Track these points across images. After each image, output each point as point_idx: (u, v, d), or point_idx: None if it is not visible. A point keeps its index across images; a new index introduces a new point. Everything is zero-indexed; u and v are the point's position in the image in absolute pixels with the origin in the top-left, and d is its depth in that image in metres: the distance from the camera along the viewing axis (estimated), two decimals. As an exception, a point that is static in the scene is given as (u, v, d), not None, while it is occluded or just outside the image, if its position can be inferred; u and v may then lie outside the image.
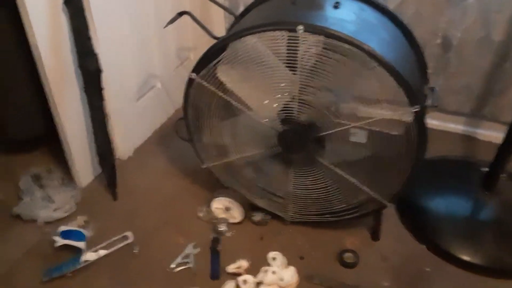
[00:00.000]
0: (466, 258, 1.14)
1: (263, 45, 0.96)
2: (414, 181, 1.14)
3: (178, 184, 1.40)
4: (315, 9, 0.98)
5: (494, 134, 1.55)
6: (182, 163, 1.48)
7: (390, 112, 0.93)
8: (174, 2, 1.50)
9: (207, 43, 1.04)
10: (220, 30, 1.63)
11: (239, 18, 1.18)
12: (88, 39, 1.12)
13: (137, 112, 1.50)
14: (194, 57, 1.70)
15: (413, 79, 0.94)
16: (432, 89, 1.03)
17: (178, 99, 1.61)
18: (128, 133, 1.47)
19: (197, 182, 1.39)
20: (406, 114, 0.92)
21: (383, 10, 1.08)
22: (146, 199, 1.35)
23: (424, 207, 1.27)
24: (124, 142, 1.45)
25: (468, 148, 1.59)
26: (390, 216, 1.26)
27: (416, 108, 0.90)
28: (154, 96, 1.58)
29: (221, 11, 1.58)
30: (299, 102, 0.99)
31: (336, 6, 0.98)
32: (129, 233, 1.19)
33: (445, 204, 1.29)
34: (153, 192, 1.38)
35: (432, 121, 1.59)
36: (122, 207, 1.31)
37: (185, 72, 1.07)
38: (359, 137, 1.06)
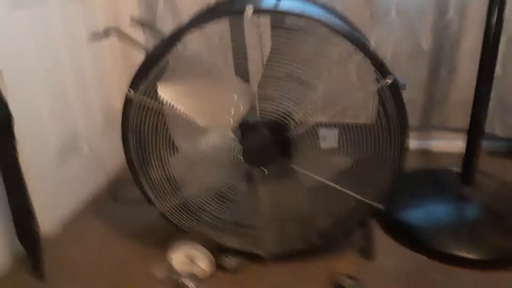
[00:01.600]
0: (471, 256, 1.02)
1: (202, 53, 0.85)
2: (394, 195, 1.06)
3: (125, 250, 1.13)
4: (256, 1, 0.91)
5: (446, 143, 1.54)
6: (125, 228, 1.23)
7: (359, 93, 0.83)
8: (94, 55, 1.37)
9: None
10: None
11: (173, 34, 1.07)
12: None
13: (62, 180, 1.25)
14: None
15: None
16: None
17: (111, 164, 1.41)
18: (53, 206, 1.21)
19: (150, 242, 1.13)
20: (379, 89, 0.84)
21: (323, 7, 1.05)
22: (87, 273, 1.06)
23: (412, 219, 1.15)
24: (49, 216, 1.18)
25: (425, 162, 1.54)
26: (379, 237, 1.11)
27: (391, 79, 0.81)
28: (80, 160, 1.35)
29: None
30: (260, 104, 0.86)
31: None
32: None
33: (432, 210, 1.19)
34: (96, 264, 1.09)
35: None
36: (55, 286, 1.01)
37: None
38: (330, 141, 0.95)
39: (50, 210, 1.19)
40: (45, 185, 1.17)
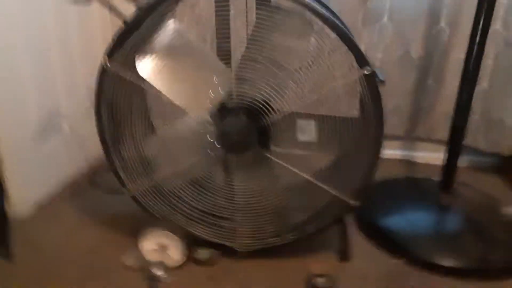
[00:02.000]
0: (447, 264, 1.00)
1: (185, 30, 0.84)
2: (374, 201, 1.04)
3: (97, 235, 1.11)
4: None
5: (430, 155, 1.54)
6: (97, 213, 1.21)
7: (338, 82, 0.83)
8: (82, 23, 1.35)
9: None
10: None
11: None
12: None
13: (40, 159, 1.23)
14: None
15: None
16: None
17: (92, 148, 1.38)
18: (28, 185, 1.19)
19: (122, 228, 1.11)
20: (355, 83, 0.83)
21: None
22: (58, 256, 1.03)
23: (392, 224, 1.14)
24: (23, 195, 1.16)
25: (410, 172, 1.54)
26: (358, 240, 1.10)
27: (368, 70, 0.81)
28: (61, 141, 1.32)
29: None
30: (238, 88, 0.85)
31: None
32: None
33: (412, 216, 1.18)
34: (66, 248, 1.07)
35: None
36: (25, 268, 0.98)
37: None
38: (308, 133, 0.94)
39: (25, 189, 1.16)
40: (21, 163, 1.15)
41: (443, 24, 1.41)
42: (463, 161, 1.54)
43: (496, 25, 1.38)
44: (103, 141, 0.92)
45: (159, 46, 0.84)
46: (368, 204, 1.00)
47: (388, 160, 1.57)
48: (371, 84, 0.83)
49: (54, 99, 1.29)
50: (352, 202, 0.92)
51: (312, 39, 0.81)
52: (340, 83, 0.84)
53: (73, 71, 1.35)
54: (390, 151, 1.61)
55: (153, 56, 0.85)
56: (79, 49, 1.36)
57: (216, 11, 0.82)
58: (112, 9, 0.93)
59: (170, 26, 0.84)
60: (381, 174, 1.30)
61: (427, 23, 1.42)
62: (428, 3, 1.39)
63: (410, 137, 1.58)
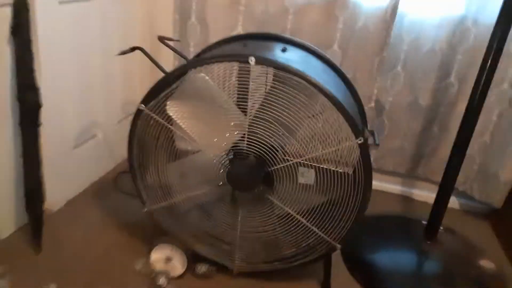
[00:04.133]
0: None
1: (213, 81, 0.98)
2: (361, 235, 1.15)
3: (114, 237, 1.28)
4: (265, 50, 1.03)
5: (428, 194, 1.64)
6: (119, 216, 1.38)
7: (335, 152, 0.95)
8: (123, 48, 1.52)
9: None
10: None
11: (191, 59, 1.20)
12: (31, 71, 1.08)
13: (74, 161, 1.41)
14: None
15: (356, 117, 0.99)
16: (372, 132, 1.09)
17: (120, 153, 1.57)
18: (62, 182, 1.36)
19: (136, 235, 1.28)
20: (350, 149, 0.95)
21: (324, 60, 1.17)
22: (77, 252, 1.21)
23: (372, 260, 1.27)
24: (56, 192, 1.33)
25: (406, 207, 1.65)
26: (340, 271, 1.23)
27: (361, 140, 0.93)
28: (94, 146, 1.51)
29: (171, 56, 1.62)
30: (250, 138, 0.99)
31: (284, 50, 1.05)
32: (53, 286, 1.04)
33: (392, 256, 1.30)
34: (85, 245, 1.24)
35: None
36: (47, 261, 1.16)
37: (128, 127, 1.05)
38: (308, 178, 1.07)
39: (58, 187, 1.34)
40: (58, 164, 1.32)
41: (452, 78, 1.50)
42: (456, 204, 1.66)
43: (504, 85, 1.47)
44: (131, 166, 1.08)
45: (187, 93, 0.98)
46: (356, 237, 1.11)
47: (387, 193, 1.71)
48: (364, 151, 0.94)
49: (93, 112, 1.47)
50: (335, 244, 1.05)
51: (315, 108, 0.93)
52: (337, 146, 0.96)
53: (112, 89, 1.55)
54: (390, 186, 1.73)
55: (181, 101, 0.99)
56: (119, 72, 1.56)
57: (238, 72, 0.95)
58: (153, 61, 1.07)
59: (198, 76, 0.97)
60: (377, 206, 1.46)
61: (438, 76, 1.52)
62: (441, 58, 1.49)
63: (410, 176, 1.69)
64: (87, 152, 1.47)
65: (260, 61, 0.91)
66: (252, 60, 0.90)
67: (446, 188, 1.28)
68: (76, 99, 1.36)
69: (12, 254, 1.15)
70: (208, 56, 1.09)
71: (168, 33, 1.68)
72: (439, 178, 1.60)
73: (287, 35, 1.21)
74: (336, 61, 1.56)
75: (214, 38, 1.63)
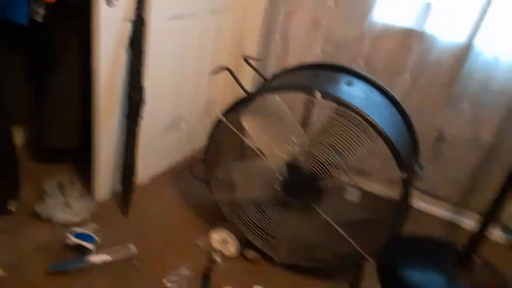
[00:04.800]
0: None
1: (283, 103, 1.16)
2: (398, 249, 1.26)
3: (183, 214, 1.54)
4: (332, 82, 1.19)
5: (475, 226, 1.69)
6: (189, 197, 1.63)
7: (381, 181, 1.10)
8: (213, 60, 1.76)
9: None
10: (248, 87, 1.87)
11: (268, 81, 1.40)
12: (139, 74, 1.34)
13: (160, 146, 1.68)
14: (220, 111, 1.91)
15: (404, 153, 1.12)
16: (420, 166, 1.20)
17: (197, 143, 1.82)
18: (149, 163, 1.64)
19: (200, 215, 1.53)
20: (395, 181, 1.09)
21: (388, 96, 1.29)
22: (153, 222, 1.48)
23: (403, 275, 1.38)
24: (144, 170, 1.61)
25: (450, 233, 1.71)
26: (371, 278, 1.37)
27: (404, 175, 1.06)
28: (177, 135, 1.78)
29: (251, 73, 1.83)
30: (307, 155, 1.16)
31: (349, 84, 1.20)
32: (132, 246, 1.31)
33: (422, 275, 1.39)
34: (160, 217, 1.51)
35: (420, 203, 1.76)
36: (130, 225, 1.44)
37: (209, 122, 1.27)
38: (353, 196, 1.22)
39: (146, 166, 1.62)
40: (149, 147, 1.60)
41: (519, 119, 1.53)
42: (503, 238, 1.69)
43: None
44: (206, 161, 1.31)
45: (260, 110, 1.18)
46: (392, 250, 1.21)
47: (435, 217, 1.78)
48: (405, 185, 1.07)
49: (181, 107, 1.74)
50: (369, 258, 1.20)
51: (367, 141, 1.08)
52: (383, 175, 1.10)
53: (198, 92, 1.81)
54: (439, 210, 1.80)
55: (254, 116, 1.19)
56: (206, 80, 1.79)
57: (306, 99, 1.12)
58: (237, 80, 1.28)
59: (273, 98, 1.16)
60: (422, 227, 1.56)
61: (503, 114, 1.55)
62: (510, 100, 1.52)
63: (461, 205, 1.74)
64: (171, 140, 1.75)
65: (325, 95, 1.07)
66: (318, 94, 1.07)
67: (486, 219, 1.33)
68: (169, 97, 1.62)
69: (106, 215, 1.45)
70: (283, 83, 1.27)
71: (252, 47, 1.89)
72: (490, 212, 1.66)
73: (356, 68, 1.34)
74: (404, 89, 1.67)
75: (293, 55, 1.82)
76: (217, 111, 1.24)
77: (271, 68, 1.87)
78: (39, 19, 1.17)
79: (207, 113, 1.87)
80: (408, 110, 1.35)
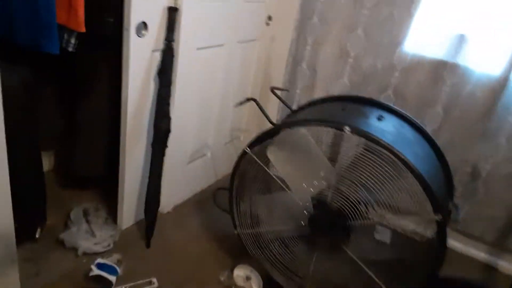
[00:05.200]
0: None
1: (310, 137, 1.13)
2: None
3: (206, 246, 1.51)
4: (362, 117, 1.16)
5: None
6: (212, 228, 1.60)
7: (414, 222, 1.04)
8: (240, 88, 1.76)
9: (258, 127, 1.23)
10: (273, 117, 1.86)
11: (294, 112, 1.37)
12: (167, 104, 1.34)
13: (185, 174, 1.67)
14: (244, 138, 1.92)
15: (439, 193, 1.06)
16: (456, 206, 1.14)
17: (221, 171, 1.80)
18: (173, 191, 1.63)
19: (224, 248, 1.49)
20: (429, 223, 1.03)
21: (420, 130, 1.24)
22: (176, 253, 1.45)
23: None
24: (168, 198, 1.60)
25: (487, 277, 1.62)
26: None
27: (439, 218, 1.00)
28: (202, 163, 1.76)
29: (276, 103, 1.82)
30: (335, 191, 1.12)
31: (380, 118, 1.16)
32: (154, 280, 1.28)
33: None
34: (183, 248, 1.48)
35: (455, 243, 1.68)
36: (153, 256, 1.42)
37: (233, 149, 1.26)
38: (384, 236, 1.16)
39: (170, 194, 1.62)
40: (174, 176, 1.59)
41: (561, 158, 1.45)
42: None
43: None
44: (230, 193, 1.29)
45: (287, 142, 1.15)
46: None
47: (470, 258, 1.69)
48: (441, 228, 1.01)
49: (206, 136, 1.73)
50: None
51: (400, 181, 1.03)
52: (417, 217, 1.05)
53: (223, 121, 1.80)
54: (475, 251, 1.70)
55: (280, 148, 1.16)
56: (232, 110, 1.80)
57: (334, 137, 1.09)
58: (263, 112, 1.26)
59: (300, 132, 1.13)
60: (457, 268, 1.47)
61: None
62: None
63: (498, 246, 1.64)
64: (196, 168, 1.73)
65: (355, 131, 1.04)
66: (347, 129, 1.04)
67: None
68: (195, 126, 1.62)
69: (129, 244, 1.44)
70: (310, 115, 1.24)
71: (279, 76, 1.88)
72: (531, 255, 1.56)
73: (386, 102, 1.30)
74: (437, 122, 1.61)
75: (320, 84, 1.80)
76: (242, 142, 1.22)
77: (298, 97, 1.85)
78: (71, 48, 1.19)
79: (232, 141, 1.86)
80: (440, 143, 1.29)
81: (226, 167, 1.86)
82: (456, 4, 1.50)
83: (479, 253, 1.70)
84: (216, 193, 1.79)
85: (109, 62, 1.39)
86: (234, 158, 1.24)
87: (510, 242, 1.60)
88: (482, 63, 1.50)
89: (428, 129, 1.61)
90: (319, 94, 1.82)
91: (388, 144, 1.01)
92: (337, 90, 1.77)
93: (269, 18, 1.83)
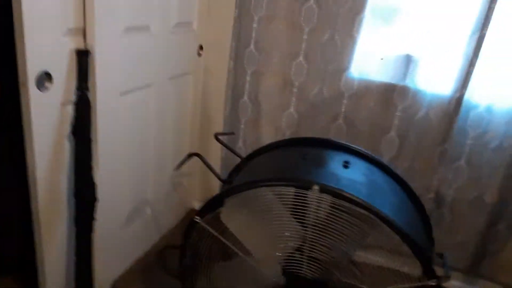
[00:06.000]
0: None
1: (272, 195, 0.94)
2: None
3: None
4: (326, 167, 0.99)
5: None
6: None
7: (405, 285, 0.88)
8: (176, 128, 1.56)
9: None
10: (216, 162, 1.65)
11: (245, 161, 1.18)
12: (89, 168, 1.09)
13: (123, 240, 1.40)
14: (188, 183, 1.68)
15: (426, 247, 0.92)
16: (441, 255, 1.00)
17: (166, 225, 1.55)
18: (110, 264, 1.36)
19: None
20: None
21: (388, 171, 1.10)
22: None
23: None
24: (103, 275, 1.32)
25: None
26: None
27: (434, 282, 0.85)
28: (142, 222, 1.50)
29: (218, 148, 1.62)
30: (308, 259, 0.93)
31: (346, 166, 1.00)
32: None
33: None
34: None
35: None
36: None
37: (177, 198, 1.03)
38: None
39: (106, 269, 1.33)
40: (109, 246, 1.32)
41: (523, 176, 1.39)
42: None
43: None
44: (182, 270, 1.05)
45: (243, 204, 0.95)
46: None
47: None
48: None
49: (143, 191, 1.47)
50: None
51: (381, 241, 0.87)
52: (407, 285, 0.89)
53: (163, 166, 1.56)
54: (451, 282, 1.60)
55: (236, 211, 0.96)
56: (170, 151, 1.58)
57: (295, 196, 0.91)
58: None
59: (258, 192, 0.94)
60: None
61: (506, 173, 1.40)
62: (510, 155, 1.38)
63: (472, 274, 1.56)
64: (135, 230, 1.47)
65: (325, 190, 0.86)
66: (316, 189, 0.86)
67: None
68: (128, 184, 1.36)
69: None
70: (267, 169, 1.06)
71: (219, 112, 1.69)
72: (505, 278, 1.49)
73: (347, 143, 1.14)
74: (393, 150, 1.50)
75: (266, 117, 1.63)
76: (187, 188, 0.99)
77: (243, 133, 1.66)
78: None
79: (175, 190, 1.61)
80: (399, 171, 1.19)
81: (170, 220, 1.61)
82: (400, 23, 1.41)
83: (455, 283, 1.60)
84: (164, 254, 1.55)
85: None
86: (180, 209, 1.02)
87: (483, 268, 1.52)
88: (433, 83, 1.42)
89: (385, 158, 1.52)
90: (265, 128, 1.64)
91: (365, 201, 0.85)
92: (284, 123, 1.61)
93: (201, 47, 1.63)
